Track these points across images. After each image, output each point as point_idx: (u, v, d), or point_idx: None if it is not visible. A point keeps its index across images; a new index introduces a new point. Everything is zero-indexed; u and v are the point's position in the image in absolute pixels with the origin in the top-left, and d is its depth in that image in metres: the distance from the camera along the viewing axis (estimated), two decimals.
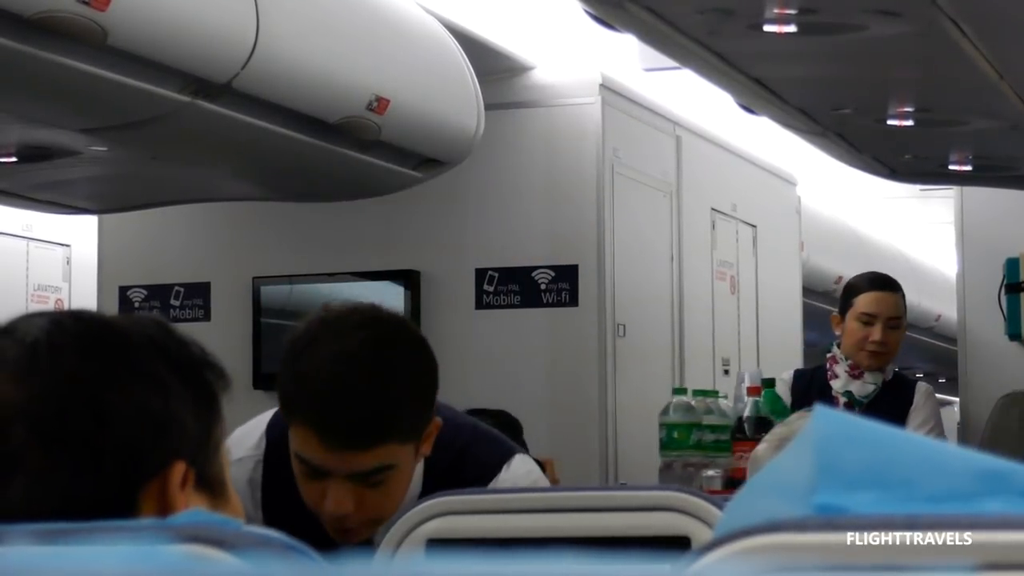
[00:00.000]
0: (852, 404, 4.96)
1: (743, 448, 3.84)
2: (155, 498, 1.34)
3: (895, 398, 5.03)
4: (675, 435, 4.00)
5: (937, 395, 5.46)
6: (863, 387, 5.02)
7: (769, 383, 4.26)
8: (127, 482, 1.34)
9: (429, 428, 2.41)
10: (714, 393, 4.26)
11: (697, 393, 4.26)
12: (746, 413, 4.01)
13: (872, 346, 5.00)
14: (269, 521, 2.52)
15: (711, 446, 4.04)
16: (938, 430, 5.10)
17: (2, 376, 1.34)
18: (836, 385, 4.99)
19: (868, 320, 5.00)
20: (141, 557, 0.82)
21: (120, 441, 1.34)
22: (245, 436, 2.61)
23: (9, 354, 1.36)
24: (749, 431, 3.95)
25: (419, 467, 2.49)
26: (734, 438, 3.99)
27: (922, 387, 5.17)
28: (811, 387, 5.00)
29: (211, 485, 1.40)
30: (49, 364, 1.35)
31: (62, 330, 1.38)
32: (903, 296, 5.14)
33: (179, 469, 1.36)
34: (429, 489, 2.45)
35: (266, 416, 2.65)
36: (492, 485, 2.50)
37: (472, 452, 2.56)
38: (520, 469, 2.55)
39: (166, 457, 1.36)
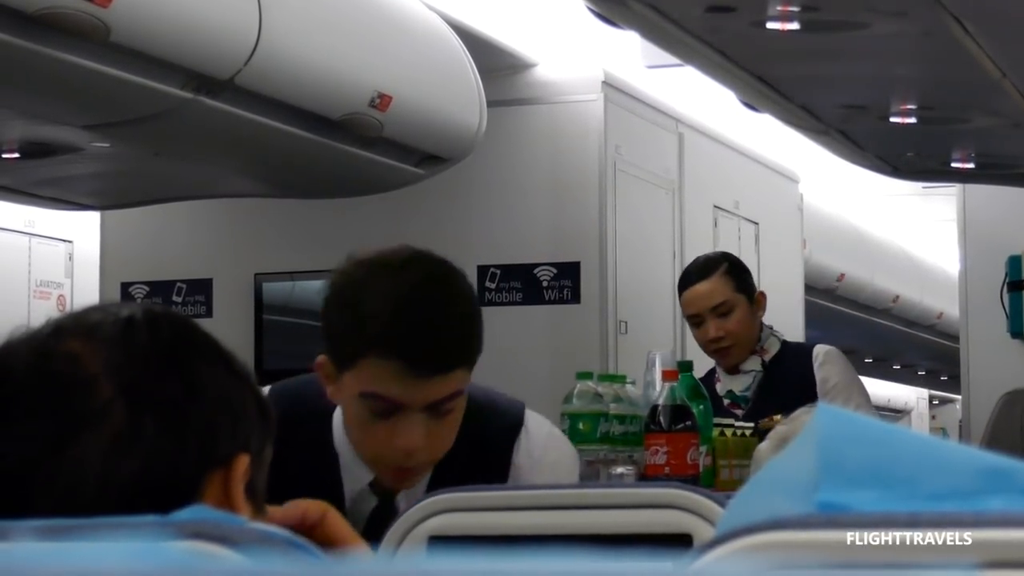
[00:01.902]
0: (736, 402, 4.44)
1: (657, 441, 3.32)
2: (219, 486, 1.35)
3: (786, 374, 4.42)
4: (580, 426, 3.39)
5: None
6: (740, 381, 4.48)
7: (686, 366, 3.64)
8: (201, 462, 1.34)
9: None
10: (621, 378, 3.62)
11: (603, 378, 3.64)
12: (661, 401, 3.35)
13: (712, 345, 4.46)
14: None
15: (619, 439, 3.45)
16: (851, 395, 4.41)
17: (94, 340, 1.35)
18: (719, 388, 4.46)
19: (696, 321, 4.47)
20: (144, 553, 0.82)
21: (204, 418, 1.35)
22: None
23: (105, 322, 1.37)
24: (665, 421, 3.33)
25: None
26: (647, 430, 3.35)
27: (820, 352, 4.48)
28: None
29: (255, 496, 1.41)
30: (146, 333, 1.36)
31: (154, 312, 1.40)
32: (726, 272, 4.46)
33: (244, 461, 1.37)
34: (455, 450, 2.50)
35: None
36: (520, 449, 2.57)
37: (493, 409, 2.62)
38: (537, 427, 2.62)
39: (236, 447, 1.37)
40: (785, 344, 4.55)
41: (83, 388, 1.32)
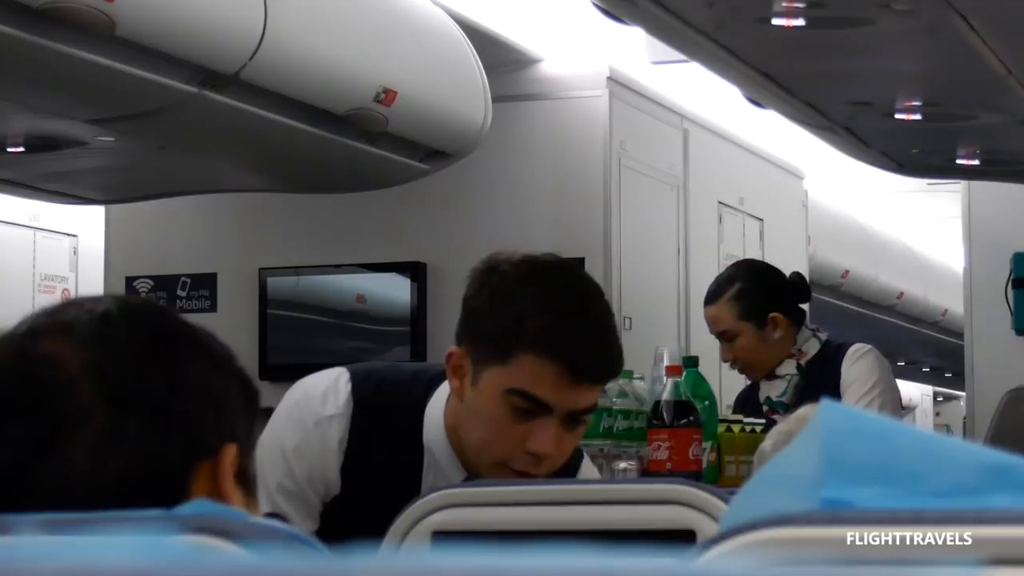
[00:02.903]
0: (774, 408, 4.40)
1: (659, 437, 3.31)
2: (208, 477, 1.35)
3: (823, 376, 4.38)
4: None
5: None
6: (776, 386, 4.45)
7: (692, 362, 3.66)
8: (188, 456, 1.34)
9: None
10: (628, 373, 3.60)
11: None
12: (664, 396, 3.35)
13: (730, 365, 4.48)
14: (346, 486, 2.50)
15: (623, 434, 3.46)
16: (872, 394, 4.35)
17: (71, 340, 1.34)
18: (760, 395, 4.45)
19: (717, 337, 4.48)
20: (147, 547, 0.82)
21: (188, 412, 1.35)
22: (330, 391, 2.53)
23: (80, 320, 1.36)
24: (668, 417, 3.33)
25: None
26: (650, 425, 3.36)
27: (851, 352, 4.41)
28: (747, 402, 4.51)
29: (247, 481, 1.41)
30: (122, 330, 1.36)
31: (130, 305, 1.40)
32: (732, 298, 4.42)
33: (232, 451, 1.36)
34: None
35: (345, 374, 2.56)
36: (583, 466, 2.63)
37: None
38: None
39: (222, 438, 1.37)
40: (826, 345, 4.48)
41: (64, 390, 1.32)
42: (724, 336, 4.42)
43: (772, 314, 4.43)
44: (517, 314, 2.34)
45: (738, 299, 4.42)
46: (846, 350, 4.44)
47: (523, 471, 2.39)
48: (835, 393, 4.27)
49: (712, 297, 4.47)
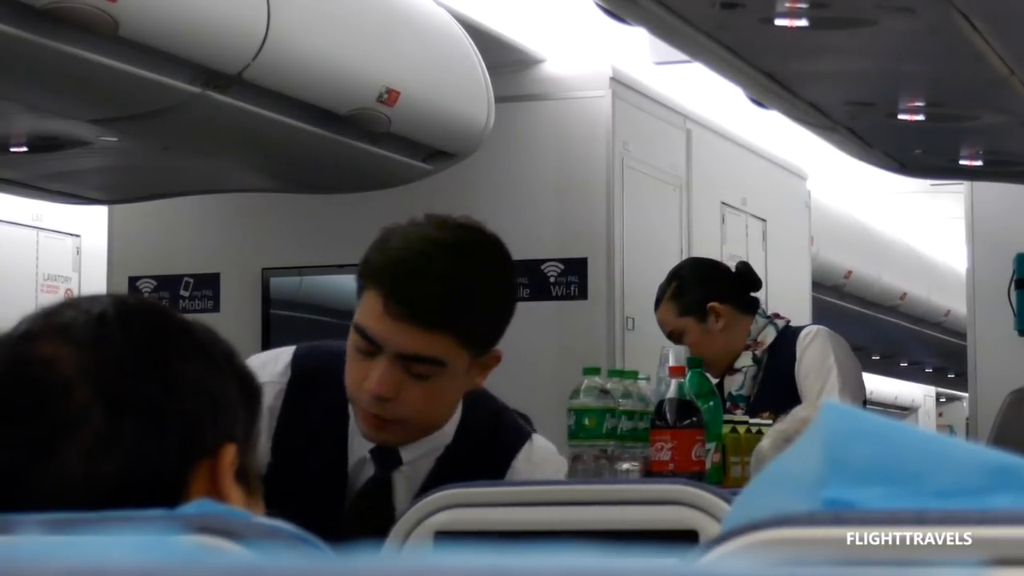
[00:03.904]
0: (735, 402, 4.34)
1: (662, 437, 3.29)
2: (206, 478, 1.35)
3: (778, 364, 4.34)
4: (585, 422, 3.38)
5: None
6: (734, 380, 4.41)
7: (695, 363, 3.63)
8: (185, 456, 1.34)
9: (489, 356, 2.46)
10: (632, 374, 3.59)
11: (613, 373, 3.64)
12: (667, 397, 3.33)
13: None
14: (276, 454, 2.52)
15: (627, 435, 3.43)
16: (824, 380, 4.30)
17: (68, 342, 1.34)
18: (723, 392, 4.38)
19: (670, 339, 4.50)
20: (150, 547, 0.82)
21: (184, 413, 1.34)
22: (269, 362, 2.59)
23: (77, 322, 1.36)
24: (671, 417, 3.29)
25: (457, 412, 2.54)
26: (653, 426, 3.33)
27: (803, 334, 4.39)
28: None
29: (248, 480, 1.40)
30: (118, 332, 1.35)
31: (127, 305, 1.39)
32: (671, 297, 4.48)
33: (231, 451, 1.36)
34: (462, 447, 2.53)
35: (291, 349, 2.63)
36: (522, 452, 2.57)
37: (505, 418, 2.63)
38: (542, 442, 2.62)
39: (221, 437, 1.36)
40: (784, 331, 4.45)
41: (60, 393, 1.32)
42: (673, 337, 4.44)
43: (710, 304, 4.44)
44: (375, 250, 2.41)
45: (676, 297, 4.47)
46: (795, 336, 4.41)
47: (369, 413, 2.41)
48: (791, 379, 4.25)
49: (656, 302, 4.53)
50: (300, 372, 2.58)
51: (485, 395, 2.61)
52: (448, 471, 2.50)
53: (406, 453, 2.52)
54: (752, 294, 4.58)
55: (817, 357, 4.35)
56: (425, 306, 2.35)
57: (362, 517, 2.52)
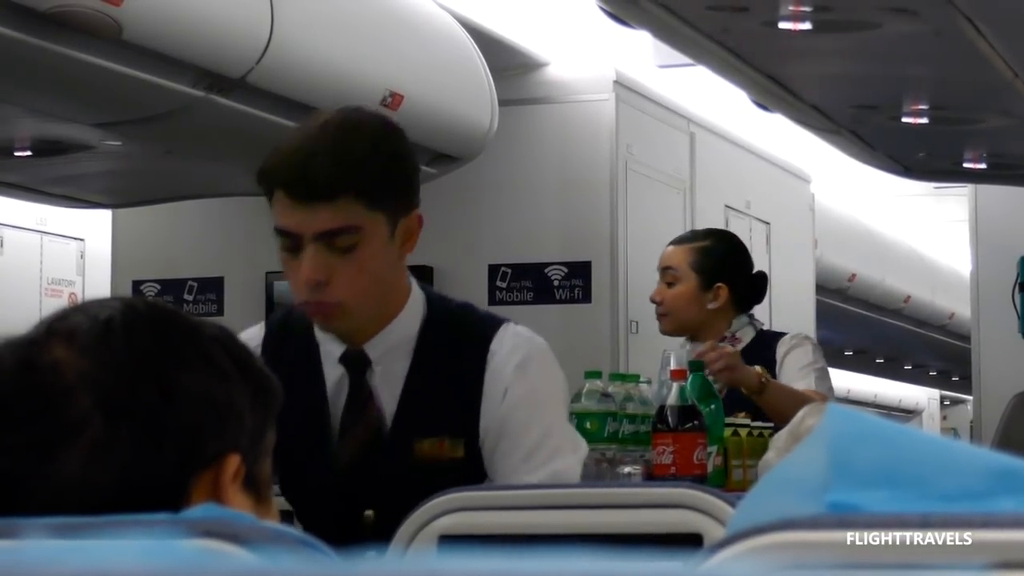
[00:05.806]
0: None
1: (664, 441, 3.28)
2: (207, 488, 1.34)
3: (756, 364, 4.18)
4: (587, 425, 3.37)
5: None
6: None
7: (697, 366, 3.60)
8: (184, 466, 1.33)
9: (410, 218, 2.50)
10: (634, 378, 3.60)
11: (615, 377, 3.64)
12: (669, 400, 3.30)
13: (656, 309, 4.48)
14: None
15: (629, 438, 3.44)
16: (816, 372, 4.25)
17: (73, 348, 1.33)
18: None
19: (660, 274, 4.50)
20: (155, 551, 0.82)
21: (183, 423, 1.33)
22: (248, 329, 2.68)
23: (82, 328, 1.35)
24: (672, 421, 3.28)
25: (419, 301, 2.58)
26: (655, 429, 3.32)
27: (786, 338, 4.35)
28: None
29: (257, 487, 1.39)
30: (122, 339, 1.34)
31: (135, 311, 1.38)
32: (699, 250, 4.42)
33: (234, 461, 1.35)
34: (434, 340, 2.56)
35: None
36: (497, 336, 2.59)
37: (475, 309, 2.67)
38: (517, 327, 2.65)
39: (223, 447, 1.35)
40: (761, 333, 4.44)
41: (62, 399, 1.31)
42: (666, 274, 4.44)
43: (720, 284, 4.41)
44: (268, 155, 2.49)
45: (701, 253, 4.43)
46: (774, 341, 4.40)
47: (311, 303, 2.46)
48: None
49: (679, 240, 4.50)
50: (272, 325, 2.69)
51: (449, 296, 2.68)
52: (425, 366, 2.55)
53: (371, 350, 2.56)
54: (751, 301, 4.57)
55: (800, 356, 4.32)
56: (320, 178, 2.41)
57: (353, 433, 2.57)
